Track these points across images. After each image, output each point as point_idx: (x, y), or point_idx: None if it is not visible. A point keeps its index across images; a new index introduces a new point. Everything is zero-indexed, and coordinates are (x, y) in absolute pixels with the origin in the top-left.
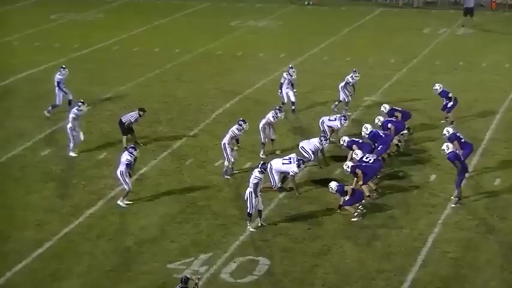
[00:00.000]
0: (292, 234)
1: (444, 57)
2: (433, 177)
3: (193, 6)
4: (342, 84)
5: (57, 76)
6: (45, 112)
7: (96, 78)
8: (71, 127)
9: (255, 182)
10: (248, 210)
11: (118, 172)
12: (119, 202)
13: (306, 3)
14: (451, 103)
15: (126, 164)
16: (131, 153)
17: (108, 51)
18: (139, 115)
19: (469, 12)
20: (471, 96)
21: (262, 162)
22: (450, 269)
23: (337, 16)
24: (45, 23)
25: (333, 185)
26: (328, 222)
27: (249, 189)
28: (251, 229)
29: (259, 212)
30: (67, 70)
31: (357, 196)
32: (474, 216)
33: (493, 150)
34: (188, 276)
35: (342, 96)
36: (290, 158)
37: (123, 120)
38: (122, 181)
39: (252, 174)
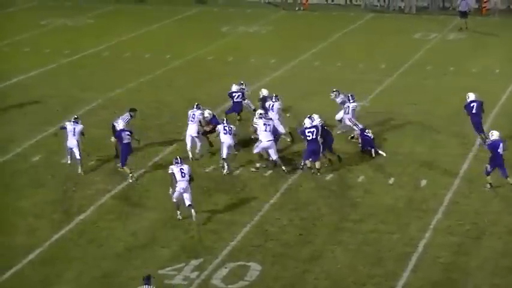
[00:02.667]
0: (283, 240)
1: (435, 62)
2: (423, 182)
3: (183, 12)
4: (349, 116)
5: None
6: None
7: (86, 83)
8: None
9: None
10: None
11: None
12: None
13: (296, 8)
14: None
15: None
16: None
17: (98, 56)
18: (131, 116)
19: (463, 15)
20: (461, 101)
21: None
22: (441, 274)
23: (327, 21)
24: (35, 28)
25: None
26: (319, 227)
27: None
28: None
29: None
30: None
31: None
32: (465, 221)
33: (483, 155)
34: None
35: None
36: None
37: (115, 124)
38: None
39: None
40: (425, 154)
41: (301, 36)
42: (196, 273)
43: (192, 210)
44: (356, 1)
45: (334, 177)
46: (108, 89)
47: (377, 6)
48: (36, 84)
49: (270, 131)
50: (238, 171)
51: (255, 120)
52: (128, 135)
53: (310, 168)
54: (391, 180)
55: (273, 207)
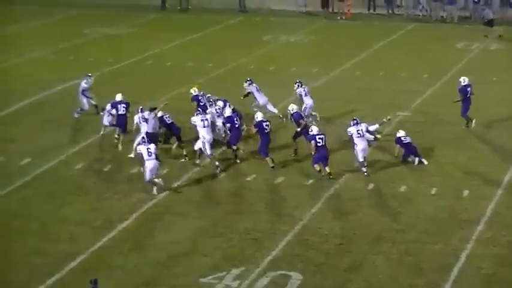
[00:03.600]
0: (324, 249)
1: (477, 72)
2: (465, 192)
3: (226, 21)
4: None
5: (83, 84)
6: (74, 114)
7: (128, 92)
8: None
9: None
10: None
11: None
12: None
13: (338, 18)
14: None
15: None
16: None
17: (141, 65)
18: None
19: (489, 23)
20: (502, 111)
21: None
22: (483, 286)
23: (369, 31)
24: (79, 37)
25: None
26: (360, 237)
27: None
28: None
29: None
30: (92, 79)
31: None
32: (508, 232)
33: None
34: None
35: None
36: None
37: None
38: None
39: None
40: (467, 164)
41: (342, 46)
42: (237, 282)
43: (155, 188)
44: (398, 11)
45: (375, 187)
46: (150, 97)
47: (419, 15)
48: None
49: (208, 126)
50: (279, 180)
51: (193, 118)
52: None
53: (319, 171)
54: (433, 191)
55: (314, 216)
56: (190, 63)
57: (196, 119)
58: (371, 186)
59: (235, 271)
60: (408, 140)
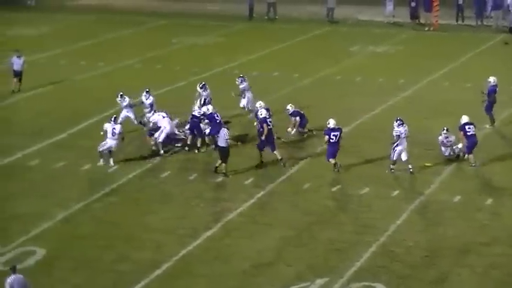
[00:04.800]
0: (409, 261)
1: None
2: None
3: (313, 31)
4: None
5: (144, 99)
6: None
7: (215, 101)
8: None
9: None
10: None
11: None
12: None
13: (426, 29)
14: None
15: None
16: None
17: (227, 74)
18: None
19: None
20: None
21: None
22: None
23: (457, 42)
24: (166, 46)
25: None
26: (445, 249)
27: None
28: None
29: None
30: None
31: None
32: None
33: None
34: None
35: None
36: None
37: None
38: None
39: None
40: None
41: (430, 57)
42: None
43: (111, 160)
44: (487, 22)
45: (461, 200)
46: (236, 106)
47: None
48: (166, 100)
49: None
50: (364, 191)
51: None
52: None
53: (334, 165)
54: None
55: (399, 227)
56: (276, 73)
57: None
58: (457, 198)
59: (319, 281)
60: (473, 131)
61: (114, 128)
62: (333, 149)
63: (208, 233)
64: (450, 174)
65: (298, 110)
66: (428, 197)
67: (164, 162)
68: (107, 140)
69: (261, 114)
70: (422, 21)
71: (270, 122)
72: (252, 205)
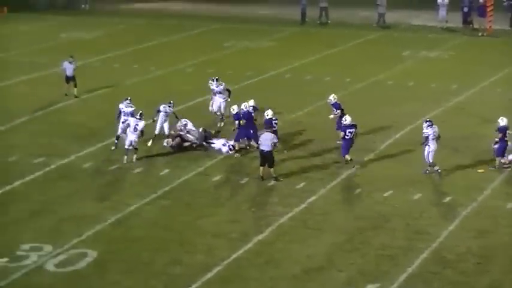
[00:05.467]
0: (461, 268)
1: None
2: None
3: (365, 36)
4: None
5: (168, 110)
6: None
7: (266, 105)
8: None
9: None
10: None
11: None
12: None
13: (479, 34)
14: None
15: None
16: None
17: (279, 78)
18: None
19: None
20: None
21: None
22: None
23: (511, 47)
24: (219, 50)
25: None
26: (499, 256)
27: None
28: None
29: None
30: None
31: None
32: None
33: None
34: None
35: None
36: None
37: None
38: None
39: None
40: None
41: (483, 62)
42: None
43: (135, 156)
44: None
45: None
46: (288, 110)
47: None
48: None
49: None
50: (416, 197)
51: None
52: None
53: (350, 161)
54: None
55: (451, 234)
56: (328, 77)
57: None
58: (510, 205)
59: (369, 287)
60: None
61: (137, 124)
62: (348, 145)
63: (260, 237)
64: (503, 180)
65: (340, 103)
66: (481, 204)
67: (216, 166)
68: (128, 134)
69: (267, 115)
70: (475, 26)
71: (276, 123)
72: (303, 209)
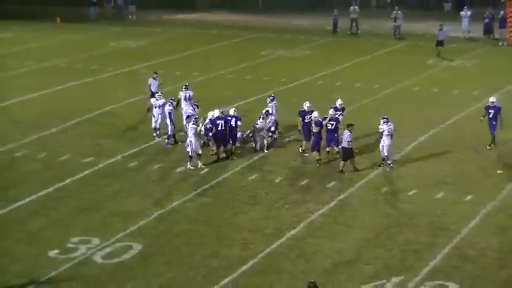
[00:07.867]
0: (481, 262)
1: None
2: None
3: (392, 45)
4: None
5: (168, 108)
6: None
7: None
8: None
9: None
10: (190, 154)
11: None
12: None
13: (500, 43)
14: None
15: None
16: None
17: (312, 85)
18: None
19: (439, 44)
20: None
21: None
22: None
23: None
24: (256, 58)
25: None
26: None
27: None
28: (191, 167)
29: (199, 155)
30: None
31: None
32: None
33: None
34: None
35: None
36: None
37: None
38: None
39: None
40: None
41: (504, 70)
42: None
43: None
44: None
45: None
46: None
47: None
48: (254, 109)
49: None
50: (439, 195)
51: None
52: None
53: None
54: None
55: (472, 230)
56: (358, 84)
57: None
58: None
59: (394, 280)
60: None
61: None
62: (329, 136)
63: (292, 233)
64: None
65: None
66: (500, 203)
67: (251, 165)
68: (189, 136)
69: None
70: (496, 36)
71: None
72: (334, 207)
